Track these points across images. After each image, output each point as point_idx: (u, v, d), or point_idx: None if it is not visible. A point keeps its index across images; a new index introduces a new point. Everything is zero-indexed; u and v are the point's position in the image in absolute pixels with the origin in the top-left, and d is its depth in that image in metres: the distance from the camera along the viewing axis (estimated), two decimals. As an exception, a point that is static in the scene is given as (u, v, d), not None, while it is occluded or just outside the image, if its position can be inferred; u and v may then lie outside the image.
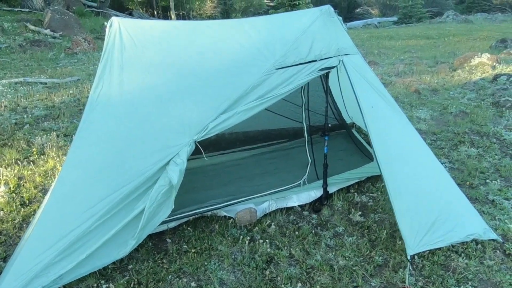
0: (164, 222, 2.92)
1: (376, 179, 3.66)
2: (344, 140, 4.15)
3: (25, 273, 2.36)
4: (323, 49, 2.72)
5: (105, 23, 2.93)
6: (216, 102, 2.63)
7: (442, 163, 3.97)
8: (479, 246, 2.77)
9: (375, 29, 23.62)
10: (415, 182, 2.65)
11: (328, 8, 2.78)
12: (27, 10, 16.07)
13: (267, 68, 2.67)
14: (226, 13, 37.74)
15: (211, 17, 37.39)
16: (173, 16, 30.23)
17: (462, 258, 2.65)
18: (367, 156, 3.72)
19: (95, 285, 2.54)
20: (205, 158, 2.75)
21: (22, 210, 3.42)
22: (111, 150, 2.64)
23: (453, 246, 2.75)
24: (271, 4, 33.45)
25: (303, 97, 3.21)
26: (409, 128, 2.86)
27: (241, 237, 2.93)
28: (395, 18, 28.22)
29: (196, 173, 3.61)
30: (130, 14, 26.36)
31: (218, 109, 2.61)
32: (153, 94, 2.73)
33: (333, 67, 2.74)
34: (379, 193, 3.49)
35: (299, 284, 2.47)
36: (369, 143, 3.93)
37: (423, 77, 7.28)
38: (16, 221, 3.26)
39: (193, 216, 3.13)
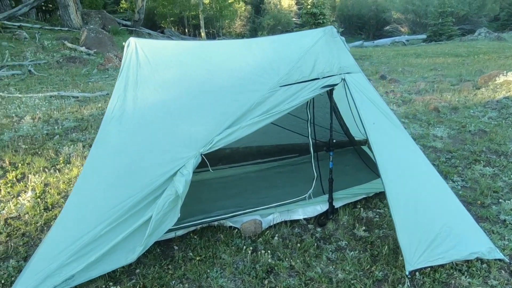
0: (172, 230, 3.06)
1: (384, 195, 3.64)
2: (353, 156, 4.18)
3: (39, 272, 2.54)
4: (326, 67, 2.82)
5: (124, 43, 3.17)
6: (222, 117, 2.77)
7: (454, 182, 3.95)
8: (484, 265, 2.72)
9: (403, 47, 23.44)
10: (416, 198, 2.67)
11: (331, 29, 2.89)
12: (66, 29, 17.10)
13: (271, 86, 2.79)
14: (254, 31, 38.53)
15: (240, 35, 38.30)
16: (202, 34, 31.16)
17: (465, 277, 2.62)
18: (375, 172, 3.74)
19: (104, 287, 2.69)
20: (211, 170, 2.88)
21: (45, 214, 3.65)
22: (124, 161, 2.82)
23: (456, 264, 2.72)
24: (299, 22, 33.91)
25: (309, 113, 3.30)
26: (411, 145, 2.88)
27: (245, 247, 3.02)
28: (424, 36, 27.92)
29: (205, 185, 3.75)
30: (162, 32, 27.45)
31: (224, 124, 2.74)
32: (164, 110, 2.91)
33: (335, 85, 2.83)
34: (386, 209, 3.49)
35: (296, 294, 2.53)
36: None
37: (444, 95, 7.20)
38: (38, 224, 3.49)
39: (200, 226, 3.25)
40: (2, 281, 2.77)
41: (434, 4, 27.46)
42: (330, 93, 2.99)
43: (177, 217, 2.72)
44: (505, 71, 7.97)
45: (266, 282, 2.67)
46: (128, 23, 22.67)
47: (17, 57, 12.26)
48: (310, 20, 15.11)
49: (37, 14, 22.35)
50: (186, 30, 36.28)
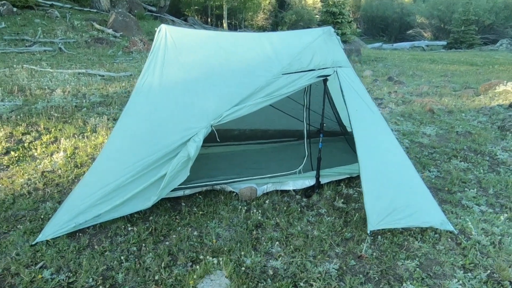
0: (181, 189, 3.68)
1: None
2: (342, 142, 4.74)
3: (73, 209, 3.18)
4: (321, 60, 3.37)
5: (156, 28, 3.78)
6: (231, 97, 3.34)
7: (430, 172, 4.48)
8: (436, 235, 3.27)
9: (421, 52, 23.62)
10: (384, 172, 3.22)
11: (329, 29, 3.44)
12: (95, 10, 17.87)
13: (274, 73, 3.36)
14: (276, 25, 38.79)
15: (261, 28, 38.60)
16: (225, 25, 31.69)
17: (418, 242, 3.18)
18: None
19: (123, 227, 3.31)
20: (218, 140, 3.44)
21: (75, 170, 4.32)
22: (147, 126, 3.42)
23: (413, 232, 3.27)
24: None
25: (305, 99, 3.86)
26: (387, 131, 3.43)
27: (240, 207, 3.62)
28: (444, 42, 27.90)
29: (213, 157, 4.39)
30: (185, 20, 28.00)
31: (232, 102, 3.31)
32: (184, 87, 3.49)
33: (328, 75, 3.39)
34: (365, 189, 4.04)
35: (277, 243, 3.12)
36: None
37: (443, 99, 7.64)
38: (69, 178, 4.16)
39: (205, 188, 3.86)
40: (42, 217, 3.43)
41: (459, 11, 27.36)
42: (324, 82, 3.54)
43: (187, 175, 3.31)
44: (505, 81, 8.35)
45: (254, 233, 3.28)
46: (154, 8, 23.34)
47: (48, 35, 13.05)
48: (329, 18, 15.52)
49: (67, -6, 23.19)
50: (209, 20, 36.78)
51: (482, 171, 4.56)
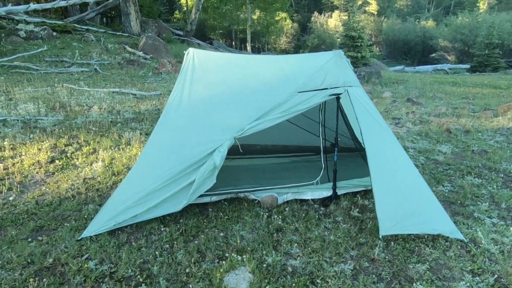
0: (209, 195, 4.03)
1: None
2: (358, 156, 4.99)
3: (112, 210, 3.57)
4: (333, 80, 3.71)
5: (184, 51, 4.23)
6: (252, 112, 3.69)
7: (444, 186, 4.68)
8: (447, 243, 3.47)
9: (444, 75, 23.59)
10: (395, 183, 3.46)
11: (339, 52, 3.80)
12: (126, 34, 18.93)
13: (291, 91, 3.71)
14: (299, 49, 39.56)
15: (284, 51, 39.45)
16: (248, 48, 32.60)
17: (429, 248, 3.39)
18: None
19: (157, 227, 3.66)
20: (241, 150, 3.79)
21: (113, 177, 4.75)
22: (178, 138, 3.80)
23: (425, 239, 3.49)
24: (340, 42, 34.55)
25: (320, 116, 4.19)
26: (396, 144, 3.69)
27: (262, 213, 3.93)
28: (467, 66, 27.77)
29: (238, 168, 4.75)
30: (211, 44, 29.06)
31: (253, 117, 3.66)
32: (210, 103, 3.89)
33: (340, 94, 3.72)
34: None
35: (296, 245, 3.40)
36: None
37: (460, 120, 7.80)
38: (108, 184, 4.58)
39: (230, 195, 4.20)
40: (85, 216, 3.83)
41: (482, 34, 27.34)
42: (337, 100, 3.87)
43: (213, 182, 3.65)
44: (524, 103, 8.44)
45: (274, 236, 3.57)
46: (181, 32, 24.44)
47: (85, 57, 13.97)
48: (349, 42, 15.94)
49: (101, 19, 24.64)
50: (233, 43, 37.96)
51: (495, 186, 4.72)
